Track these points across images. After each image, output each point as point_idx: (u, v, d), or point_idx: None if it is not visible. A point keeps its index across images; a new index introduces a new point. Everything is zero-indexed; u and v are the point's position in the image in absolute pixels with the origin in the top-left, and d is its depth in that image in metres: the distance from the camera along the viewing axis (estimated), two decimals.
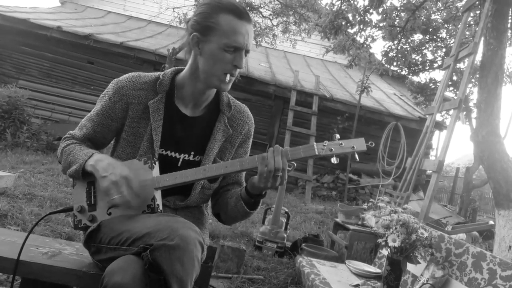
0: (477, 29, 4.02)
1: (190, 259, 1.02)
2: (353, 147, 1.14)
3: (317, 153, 1.15)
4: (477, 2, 4.26)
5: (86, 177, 1.25)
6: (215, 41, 1.21)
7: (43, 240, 1.52)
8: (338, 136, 1.18)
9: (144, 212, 1.22)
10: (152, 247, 1.01)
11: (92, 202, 1.27)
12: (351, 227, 3.32)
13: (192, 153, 1.35)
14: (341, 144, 1.15)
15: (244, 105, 1.46)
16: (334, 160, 1.17)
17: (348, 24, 6.02)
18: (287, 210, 3.78)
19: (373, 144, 1.17)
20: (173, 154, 1.33)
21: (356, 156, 1.17)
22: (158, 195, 1.24)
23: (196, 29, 1.24)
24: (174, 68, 1.38)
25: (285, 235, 3.53)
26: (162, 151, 1.31)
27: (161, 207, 1.24)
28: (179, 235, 1.02)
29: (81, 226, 1.28)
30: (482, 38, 3.66)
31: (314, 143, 1.16)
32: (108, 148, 1.48)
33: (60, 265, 1.28)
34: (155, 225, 1.08)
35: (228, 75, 1.25)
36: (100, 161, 1.20)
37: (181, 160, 1.34)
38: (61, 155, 1.31)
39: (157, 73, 1.35)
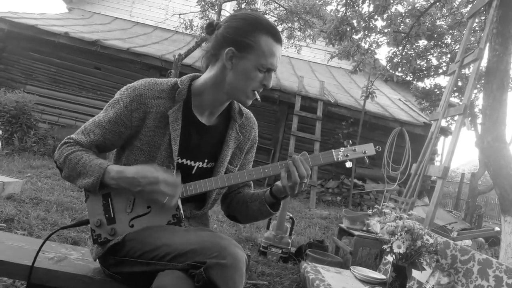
0: (482, 35, 4.02)
1: (240, 277, 1.05)
2: (365, 151, 1.27)
3: (335, 159, 1.26)
4: (482, 8, 4.26)
5: (102, 189, 1.22)
6: (252, 59, 1.21)
7: (49, 245, 1.52)
8: (350, 142, 1.29)
9: (169, 222, 1.22)
10: (205, 265, 1.02)
11: (112, 215, 1.24)
12: (356, 233, 3.31)
13: (206, 160, 1.34)
14: (355, 150, 1.27)
15: (249, 110, 1.46)
16: (348, 164, 1.28)
17: (353, 30, 6.04)
18: (291, 215, 3.77)
19: (380, 149, 1.29)
20: (188, 162, 1.32)
21: (366, 160, 1.29)
22: (180, 204, 1.24)
23: (232, 44, 1.22)
24: (190, 75, 1.36)
25: (289, 241, 3.52)
26: (178, 159, 1.29)
27: (183, 216, 1.24)
28: (229, 253, 1.05)
29: (101, 241, 1.23)
30: (488, 44, 3.66)
31: (333, 150, 1.27)
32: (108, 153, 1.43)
33: (66, 270, 1.29)
34: (198, 242, 1.08)
35: (256, 93, 1.27)
36: (123, 177, 1.18)
37: (195, 168, 1.33)
38: (63, 162, 1.24)
39: (172, 80, 1.32)
